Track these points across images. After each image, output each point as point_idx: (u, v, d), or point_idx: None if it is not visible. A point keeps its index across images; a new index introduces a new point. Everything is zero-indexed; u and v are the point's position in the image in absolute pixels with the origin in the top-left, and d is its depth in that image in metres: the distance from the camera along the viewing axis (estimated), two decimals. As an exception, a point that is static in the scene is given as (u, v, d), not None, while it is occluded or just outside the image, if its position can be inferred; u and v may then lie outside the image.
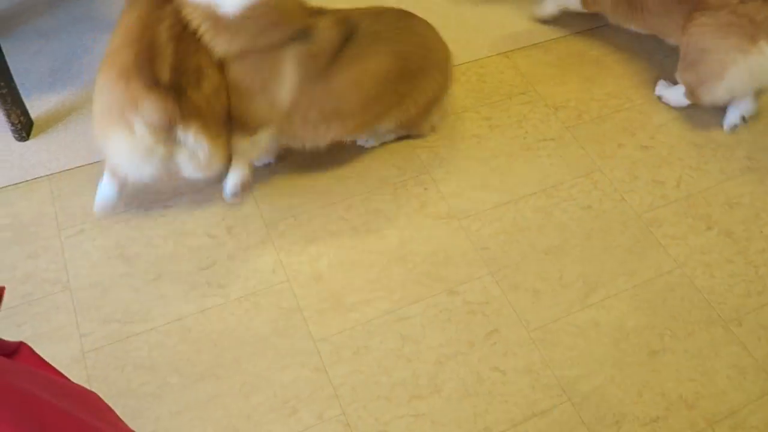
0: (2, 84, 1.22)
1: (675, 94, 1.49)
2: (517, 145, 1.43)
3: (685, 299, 1.22)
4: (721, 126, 1.49)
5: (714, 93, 1.37)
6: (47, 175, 1.25)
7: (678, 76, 1.46)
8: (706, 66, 1.34)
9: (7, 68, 1.23)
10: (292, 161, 1.33)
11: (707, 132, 1.49)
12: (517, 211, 1.31)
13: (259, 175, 1.30)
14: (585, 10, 1.57)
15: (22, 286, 1.11)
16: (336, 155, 1.34)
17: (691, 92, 1.43)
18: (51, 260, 1.15)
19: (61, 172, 1.26)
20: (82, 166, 1.28)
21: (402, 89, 1.24)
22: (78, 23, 1.52)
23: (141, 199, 1.24)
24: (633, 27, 1.55)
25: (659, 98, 1.53)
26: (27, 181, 1.25)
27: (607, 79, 1.58)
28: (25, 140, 1.30)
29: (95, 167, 1.27)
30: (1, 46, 1.22)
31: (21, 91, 1.27)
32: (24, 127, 1.30)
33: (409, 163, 1.36)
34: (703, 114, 1.52)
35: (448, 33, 1.60)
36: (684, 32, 1.36)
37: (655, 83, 1.56)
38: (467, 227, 1.28)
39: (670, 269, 1.26)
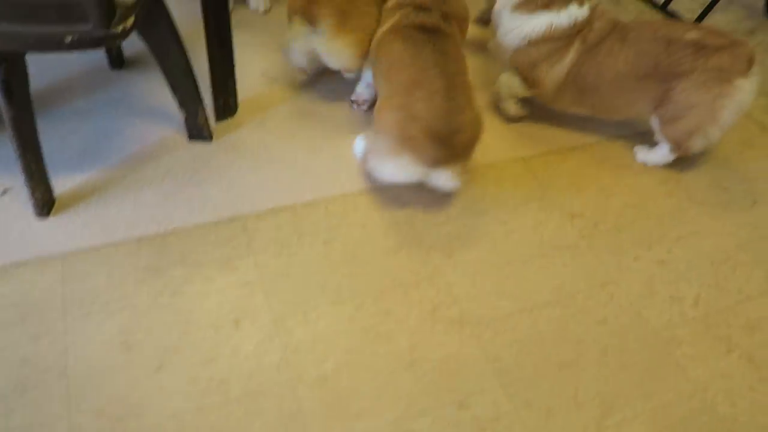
0: (32, 161, 1.25)
1: (659, 154, 1.65)
2: (532, 251, 1.42)
3: (706, 428, 1.16)
4: (741, 246, 1.48)
5: (709, 137, 1.56)
6: (61, 255, 1.25)
7: (662, 136, 1.61)
8: (697, 117, 1.52)
9: (38, 146, 1.26)
10: (303, 256, 1.32)
11: (725, 249, 1.48)
12: (532, 320, 1.28)
13: (270, 269, 1.29)
14: (530, 95, 1.67)
15: (19, 369, 1.08)
16: (348, 251, 1.34)
17: (678, 145, 1.59)
18: (52, 344, 1.12)
19: (75, 252, 1.26)
20: (97, 247, 1.28)
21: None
22: (113, 105, 1.57)
23: (150, 285, 1.23)
24: (579, 111, 1.66)
25: (644, 163, 1.68)
26: (41, 257, 1.25)
27: (624, 190, 1.59)
28: (45, 217, 1.32)
29: (110, 249, 1.27)
30: (37, 123, 1.26)
31: (49, 168, 1.30)
32: (46, 204, 1.31)
33: (423, 265, 1.35)
34: (721, 228, 1.51)
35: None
36: (663, 102, 1.54)
37: (671, 196, 1.58)
38: (480, 335, 1.24)
39: (691, 393, 1.20)
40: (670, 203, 1.57)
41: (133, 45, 1.74)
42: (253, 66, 1.78)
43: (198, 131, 1.50)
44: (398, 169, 1.35)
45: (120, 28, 1.05)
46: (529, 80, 1.61)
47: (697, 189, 1.62)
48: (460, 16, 1.53)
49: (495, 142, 1.66)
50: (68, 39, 1.02)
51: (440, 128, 1.29)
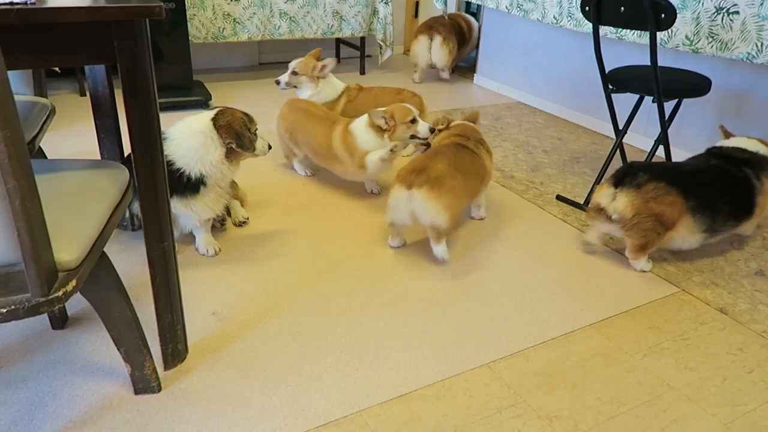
0: (-50, 448, 1.11)
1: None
2: (517, 467, 1.30)
3: None
4: (728, 427, 1.42)
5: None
6: None
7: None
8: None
9: (-39, 429, 1.14)
10: None
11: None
12: None
13: None
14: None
15: None
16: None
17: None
18: None
19: None
20: None
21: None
22: (52, 367, 1.48)
23: None
24: None
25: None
26: None
27: (594, 384, 1.55)
28: None
29: None
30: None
31: (-29, 452, 1.16)
32: (-37, 496, 1.14)
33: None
34: (701, 412, 1.46)
35: (422, 349, 1.60)
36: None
37: (641, 384, 1.54)
38: None
39: None
40: (643, 392, 1.53)
41: (78, 301, 1.72)
42: (203, 306, 1.76)
43: (145, 383, 1.41)
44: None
45: (61, 292, 1.03)
46: None
47: (665, 373, 1.60)
48: (490, 152, 2.35)
49: (454, 352, 1.63)
50: (4, 310, 0.99)
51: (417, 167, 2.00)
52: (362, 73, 4.72)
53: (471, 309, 1.83)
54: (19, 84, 1.97)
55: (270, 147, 2.02)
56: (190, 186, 1.87)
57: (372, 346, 1.64)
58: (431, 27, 4.43)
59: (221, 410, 1.39)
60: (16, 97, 0.92)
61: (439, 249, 2.02)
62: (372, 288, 1.91)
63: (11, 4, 1.04)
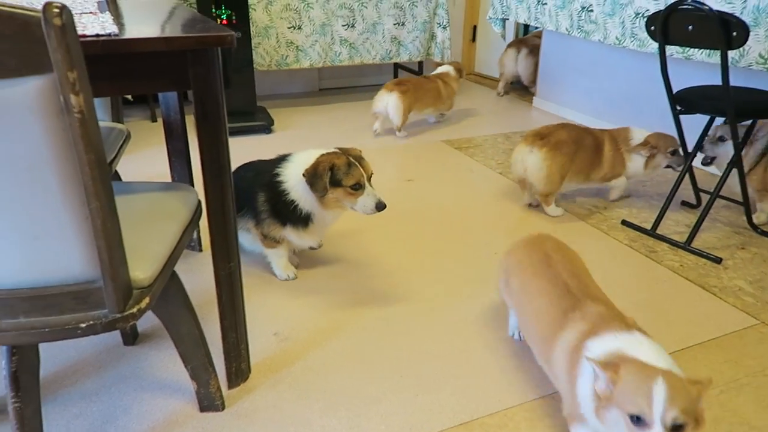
0: (31, 456, 1.17)
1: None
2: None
3: None
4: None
5: None
6: None
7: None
8: None
9: (40, 438, 1.19)
10: None
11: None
12: None
13: None
14: None
15: None
16: None
17: None
18: None
19: None
20: None
21: None
22: (123, 382, 1.54)
23: None
24: None
25: None
26: None
27: None
28: None
29: None
30: (42, 411, 1.21)
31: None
32: (39, 503, 1.19)
33: None
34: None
35: (482, 377, 1.56)
36: None
37: None
38: None
39: None
40: (721, 431, 1.43)
41: (148, 319, 1.79)
42: (265, 326, 1.79)
43: (210, 401, 1.44)
44: None
45: (136, 309, 1.07)
46: None
47: (745, 411, 1.50)
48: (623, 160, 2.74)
49: (517, 378, 1.58)
50: (83, 325, 1.04)
51: None
52: (419, 97, 4.75)
53: (533, 336, 1.77)
54: (99, 110, 2.09)
55: (380, 207, 1.83)
56: (301, 219, 1.90)
57: (431, 371, 1.61)
58: (521, 41, 4.73)
59: (282, 430, 1.40)
60: (100, 123, 0.98)
61: (548, 209, 2.61)
62: (432, 312, 1.89)
63: (97, 36, 1.11)
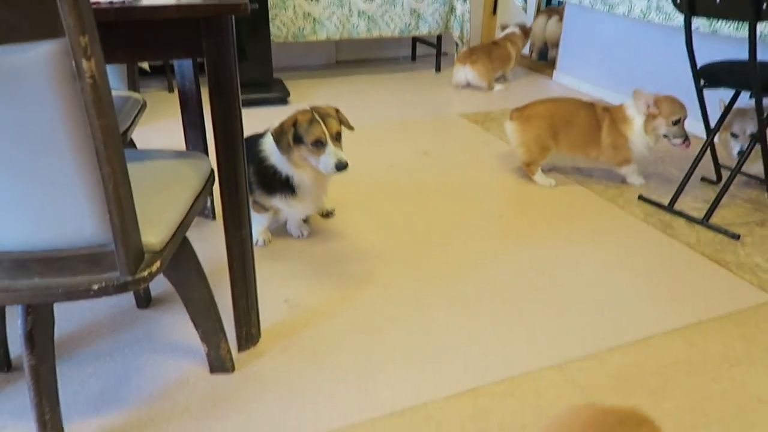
0: (47, 412, 1.21)
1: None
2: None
3: None
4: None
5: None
6: None
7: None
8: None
9: (56, 395, 1.24)
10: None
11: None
12: None
13: None
14: None
15: None
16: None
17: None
18: None
19: None
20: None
21: None
22: (136, 344, 1.58)
23: None
24: None
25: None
26: None
27: (675, 392, 1.46)
28: (55, 472, 1.23)
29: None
30: (57, 370, 1.25)
31: (64, 414, 1.26)
32: (57, 456, 1.24)
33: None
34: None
35: (490, 345, 1.58)
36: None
37: (725, 395, 1.44)
38: None
39: None
40: (729, 404, 1.43)
41: (161, 284, 1.83)
42: (276, 293, 1.82)
43: (220, 363, 1.48)
44: None
45: (146, 272, 1.10)
46: None
47: (755, 386, 1.49)
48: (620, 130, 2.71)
49: (526, 348, 1.59)
50: (95, 287, 1.06)
51: None
52: (438, 70, 4.70)
53: (543, 308, 1.78)
54: (114, 79, 2.11)
55: (340, 167, 1.78)
56: (287, 185, 1.92)
57: (440, 340, 1.63)
58: (552, 9, 4.88)
59: (291, 392, 1.44)
60: (112, 92, 0.99)
61: (534, 178, 2.67)
62: (441, 283, 1.90)
63: (110, 3, 1.12)
